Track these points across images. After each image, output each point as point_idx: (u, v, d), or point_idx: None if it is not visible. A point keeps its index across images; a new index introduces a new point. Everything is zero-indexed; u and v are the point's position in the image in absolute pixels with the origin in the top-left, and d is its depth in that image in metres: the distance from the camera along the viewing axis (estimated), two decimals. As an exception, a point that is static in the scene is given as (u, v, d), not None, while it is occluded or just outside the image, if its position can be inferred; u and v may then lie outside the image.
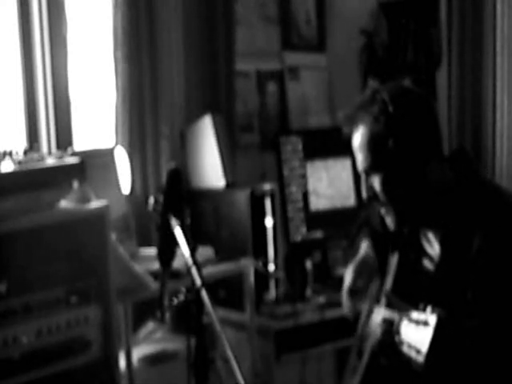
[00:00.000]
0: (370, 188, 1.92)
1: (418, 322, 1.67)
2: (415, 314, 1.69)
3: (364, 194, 1.94)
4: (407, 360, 1.68)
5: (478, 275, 1.81)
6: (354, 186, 3.65)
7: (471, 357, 1.75)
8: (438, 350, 1.64)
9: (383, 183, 1.88)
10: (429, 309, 1.67)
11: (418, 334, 1.66)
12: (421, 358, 1.64)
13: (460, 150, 2.12)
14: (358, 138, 1.90)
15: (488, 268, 1.80)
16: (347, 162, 3.63)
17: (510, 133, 3.80)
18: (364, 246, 2.18)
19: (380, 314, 1.86)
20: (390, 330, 1.76)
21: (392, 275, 1.99)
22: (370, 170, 1.90)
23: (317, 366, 3.27)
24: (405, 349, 1.69)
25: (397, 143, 1.85)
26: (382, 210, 1.94)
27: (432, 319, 1.64)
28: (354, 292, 2.09)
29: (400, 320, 1.73)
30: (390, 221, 1.93)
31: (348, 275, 2.12)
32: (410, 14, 4.01)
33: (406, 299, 1.82)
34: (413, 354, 1.67)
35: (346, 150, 3.69)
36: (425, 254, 1.97)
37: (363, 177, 1.94)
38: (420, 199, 1.90)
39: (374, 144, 1.87)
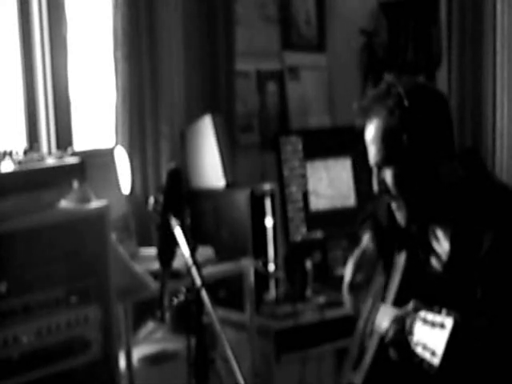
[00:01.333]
0: (382, 182, 1.91)
1: (433, 324, 1.66)
2: (430, 316, 1.68)
3: (375, 188, 1.93)
4: (419, 361, 1.67)
5: (487, 273, 1.80)
6: (354, 185, 3.65)
7: (482, 356, 1.75)
8: (453, 353, 1.63)
9: (395, 177, 1.88)
10: (444, 311, 1.66)
11: (433, 335, 1.65)
12: (436, 360, 1.63)
13: (470, 149, 2.12)
14: (372, 130, 1.89)
15: (498, 266, 1.80)
16: (347, 162, 3.63)
17: (510, 132, 3.80)
18: (365, 239, 2.17)
19: (388, 312, 1.85)
20: (402, 329, 1.75)
21: (400, 274, 1.98)
22: (383, 163, 1.89)
23: (317, 366, 3.27)
24: (419, 350, 1.68)
25: (411, 137, 1.84)
26: (393, 205, 1.93)
27: (448, 322, 1.63)
28: (355, 286, 2.08)
29: (413, 320, 1.72)
30: (400, 216, 1.92)
31: (348, 270, 2.12)
32: (410, 14, 4.01)
33: (413, 298, 1.81)
34: (427, 355, 1.65)
35: (346, 149, 3.71)
36: (433, 251, 1.96)
37: (375, 170, 1.92)
38: (432, 194, 1.89)
39: (387, 137, 1.86)
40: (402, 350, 1.77)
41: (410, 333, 1.71)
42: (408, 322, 1.73)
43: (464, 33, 3.92)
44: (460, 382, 1.79)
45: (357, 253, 2.14)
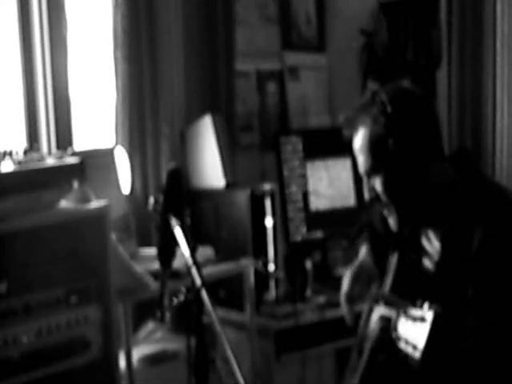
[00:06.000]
0: (372, 189, 1.92)
1: (415, 319, 1.69)
2: (412, 311, 1.71)
3: (366, 196, 1.95)
4: (404, 356, 1.69)
5: (478, 272, 1.81)
6: (354, 185, 3.65)
7: (470, 353, 1.76)
8: (434, 346, 1.65)
9: (384, 184, 1.89)
10: (426, 305, 1.68)
11: (414, 330, 1.68)
12: (417, 354, 1.66)
13: (461, 149, 2.13)
14: (359, 140, 1.91)
15: (488, 264, 1.81)
16: (347, 162, 3.63)
17: (510, 133, 3.80)
18: (362, 251, 2.19)
19: (378, 311, 1.87)
20: (388, 326, 1.77)
21: (392, 275, 2.00)
22: (371, 171, 1.91)
23: (317, 366, 3.26)
24: (402, 345, 1.71)
25: (396, 144, 1.85)
26: (385, 211, 1.95)
27: (429, 315, 1.65)
28: (352, 298, 2.09)
29: (397, 316, 1.74)
30: (392, 221, 1.94)
31: (345, 281, 2.12)
32: (410, 14, 4.01)
33: (406, 299, 1.83)
34: (409, 350, 1.68)
35: (346, 150, 3.70)
36: (425, 252, 1.97)
37: (365, 179, 1.94)
38: (421, 199, 1.90)
39: (374, 145, 1.88)
40: (387, 346, 1.78)
41: (395, 329, 1.73)
42: (393, 318, 1.75)
43: (464, 33, 3.91)
44: (449, 377, 1.80)
45: (354, 265, 2.15)
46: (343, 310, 2.11)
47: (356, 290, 2.08)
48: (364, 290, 2.09)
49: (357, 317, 2.09)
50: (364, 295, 2.08)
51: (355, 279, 2.10)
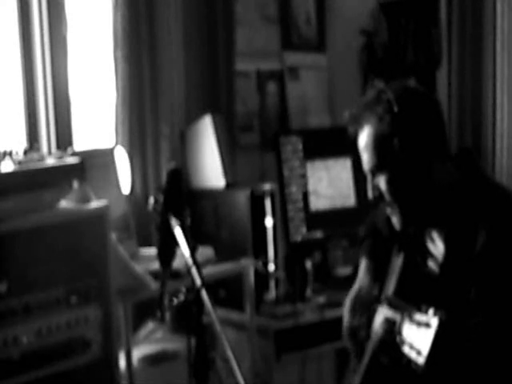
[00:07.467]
0: (376, 188, 1.92)
1: (419, 324, 1.68)
2: (417, 316, 1.70)
3: (370, 194, 1.94)
4: (408, 361, 1.69)
5: (481, 273, 1.81)
6: (354, 185, 3.65)
7: (472, 357, 1.75)
8: (438, 352, 1.64)
9: (388, 183, 1.89)
10: (431, 311, 1.67)
11: (419, 335, 1.67)
12: (421, 360, 1.65)
13: (464, 149, 2.13)
14: (364, 138, 1.91)
15: (492, 265, 1.81)
16: (347, 162, 3.63)
17: (510, 133, 3.80)
18: (361, 270, 2.18)
19: (382, 313, 1.87)
20: (392, 329, 1.76)
21: (396, 277, 1.99)
22: (376, 169, 1.90)
23: (317, 366, 3.27)
24: (406, 349, 1.70)
25: (401, 143, 1.85)
26: (388, 210, 1.94)
27: (434, 321, 1.64)
28: (354, 330, 2.09)
29: (402, 320, 1.73)
30: (395, 220, 1.93)
31: (345, 314, 2.13)
32: (410, 14, 4.01)
33: (410, 301, 1.82)
34: (413, 355, 1.67)
35: (346, 149, 3.71)
36: (429, 254, 1.97)
37: (369, 177, 1.94)
38: (425, 198, 1.90)
39: (379, 144, 1.88)
40: (390, 350, 1.78)
41: (399, 333, 1.73)
42: (397, 322, 1.74)
43: (464, 33, 3.91)
44: (452, 381, 1.80)
45: (351, 295, 2.14)
46: (346, 342, 2.11)
47: (355, 323, 2.07)
48: (363, 320, 2.07)
49: (360, 352, 2.07)
50: (364, 325, 2.07)
51: (353, 312, 2.09)
